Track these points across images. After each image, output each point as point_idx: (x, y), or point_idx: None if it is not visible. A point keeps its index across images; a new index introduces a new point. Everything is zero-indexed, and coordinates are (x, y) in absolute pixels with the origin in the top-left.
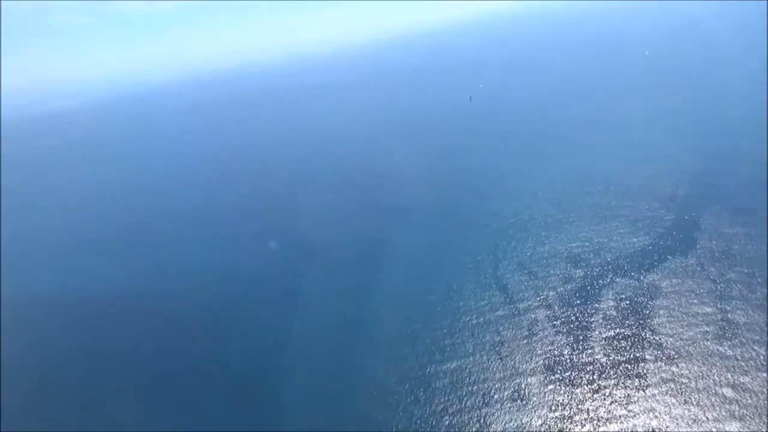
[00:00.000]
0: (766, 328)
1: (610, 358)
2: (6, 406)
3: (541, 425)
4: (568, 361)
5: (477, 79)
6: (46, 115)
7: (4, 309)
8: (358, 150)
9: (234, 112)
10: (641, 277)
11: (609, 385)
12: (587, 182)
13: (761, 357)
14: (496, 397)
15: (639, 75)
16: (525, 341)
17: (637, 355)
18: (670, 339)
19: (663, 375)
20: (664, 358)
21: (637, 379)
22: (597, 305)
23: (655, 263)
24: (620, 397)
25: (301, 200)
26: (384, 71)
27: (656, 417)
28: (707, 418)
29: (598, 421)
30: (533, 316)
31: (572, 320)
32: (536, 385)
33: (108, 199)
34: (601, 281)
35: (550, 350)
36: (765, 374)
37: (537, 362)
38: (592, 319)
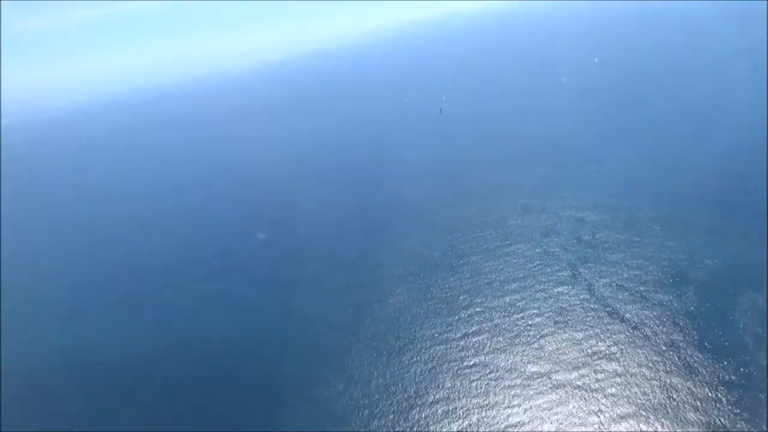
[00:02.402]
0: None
1: None
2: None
3: None
4: None
5: (454, 85)
6: (38, 122)
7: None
8: (357, 165)
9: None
10: None
11: None
12: (618, 194)
13: None
14: None
15: (633, 78)
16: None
17: None
18: None
19: None
20: None
21: None
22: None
23: None
24: None
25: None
26: (362, 75)
27: None
28: None
29: None
30: (689, 356)
31: (738, 355)
32: None
33: (106, 206)
34: (731, 305)
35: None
36: None
37: (741, 416)
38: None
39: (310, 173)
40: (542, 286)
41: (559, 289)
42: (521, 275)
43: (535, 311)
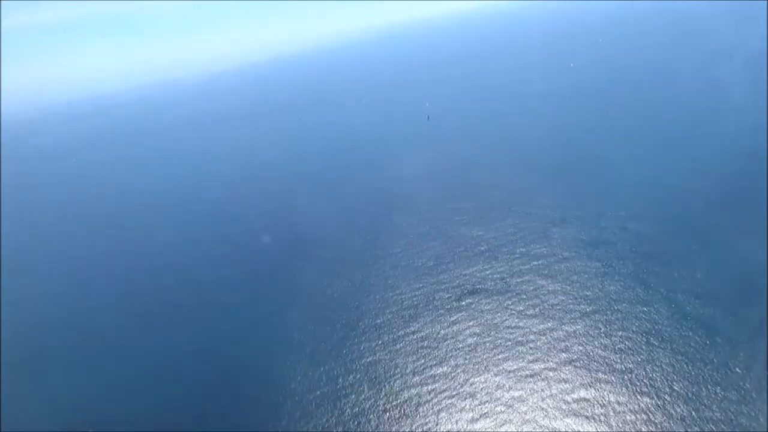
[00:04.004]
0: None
1: None
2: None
3: None
4: None
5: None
6: (38, 120)
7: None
8: (363, 174)
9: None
10: None
11: None
12: (652, 201)
13: None
14: None
15: (626, 79)
16: None
17: None
18: None
19: None
20: None
21: None
22: None
23: None
24: None
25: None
26: (354, 75)
27: None
28: None
29: None
30: None
31: None
32: None
33: (105, 205)
34: None
35: None
36: None
37: None
38: None
39: (310, 180)
40: (618, 306)
41: (639, 308)
42: (590, 294)
43: (622, 333)
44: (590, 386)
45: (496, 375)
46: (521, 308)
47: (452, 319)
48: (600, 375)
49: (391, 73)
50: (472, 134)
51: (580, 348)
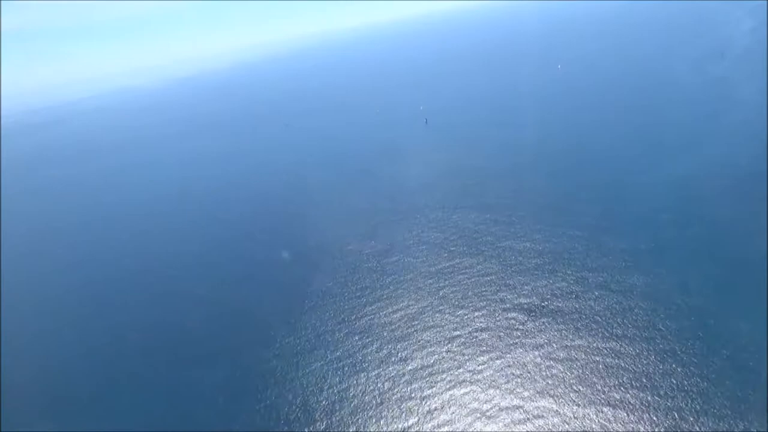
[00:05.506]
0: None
1: None
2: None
3: None
4: None
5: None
6: (38, 122)
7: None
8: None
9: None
10: None
11: None
12: (698, 204)
13: None
14: None
15: (623, 80)
16: None
17: None
18: None
19: None
20: None
21: None
22: None
23: None
24: None
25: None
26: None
27: None
28: None
29: None
30: None
31: None
32: None
33: (105, 207)
34: None
35: None
36: None
37: None
38: None
39: (321, 186)
40: (714, 321)
41: (735, 323)
42: (679, 311)
43: (732, 352)
44: (726, 417)
45: (606, 406)
46: (605, 327)
47: (534, 341)
48: (734, 407)
49: (389, 72)
50: (477, 137)
51: (694, 369)
